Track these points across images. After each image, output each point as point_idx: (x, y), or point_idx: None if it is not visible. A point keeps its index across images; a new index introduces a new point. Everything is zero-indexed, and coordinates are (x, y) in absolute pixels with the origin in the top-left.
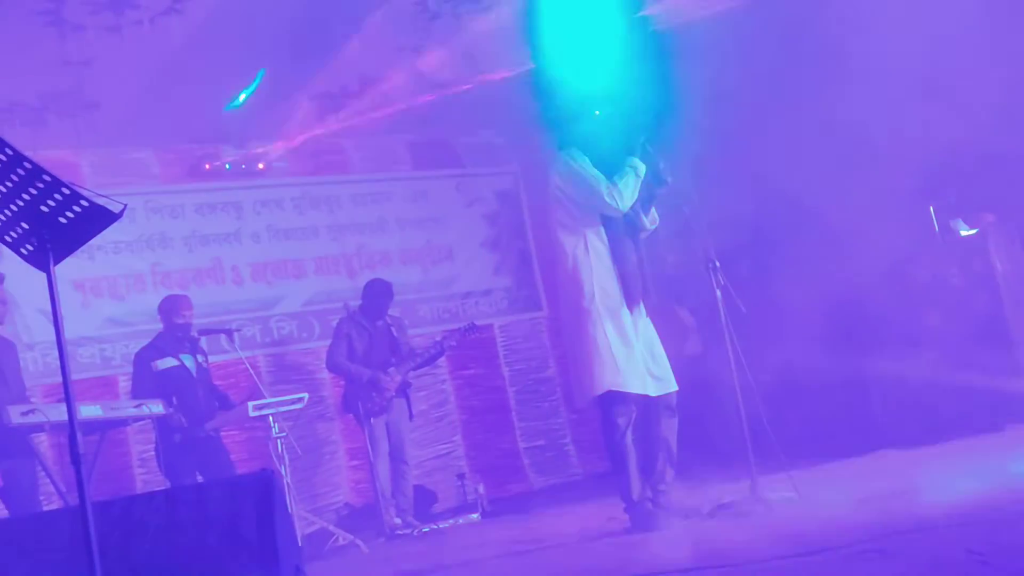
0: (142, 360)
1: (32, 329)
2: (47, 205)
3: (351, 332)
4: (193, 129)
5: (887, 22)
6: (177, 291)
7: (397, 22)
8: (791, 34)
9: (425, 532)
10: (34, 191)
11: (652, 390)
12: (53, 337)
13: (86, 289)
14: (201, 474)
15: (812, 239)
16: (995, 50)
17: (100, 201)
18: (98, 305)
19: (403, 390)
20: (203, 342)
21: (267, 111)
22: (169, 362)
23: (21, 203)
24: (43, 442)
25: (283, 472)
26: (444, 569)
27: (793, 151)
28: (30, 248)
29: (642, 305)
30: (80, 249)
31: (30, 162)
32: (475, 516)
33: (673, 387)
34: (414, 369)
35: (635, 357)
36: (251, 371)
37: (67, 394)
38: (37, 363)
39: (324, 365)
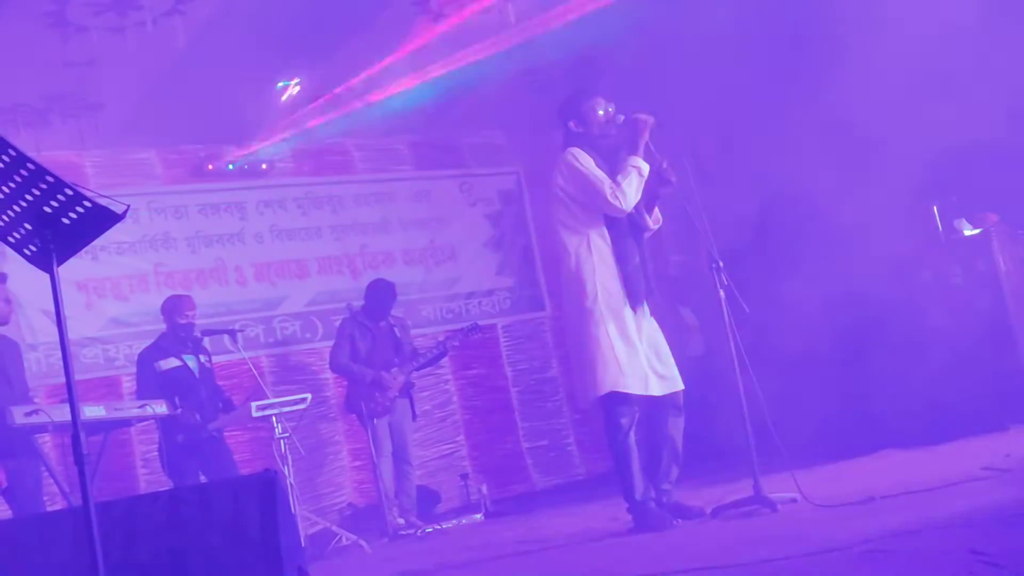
0: (145, 360)
1: (35, 329)
2: (50, 206)
3: (354, 332)
4: (196, 130)
5: (891, 20)
6: (180, 291)
7: (399, 22)
8: (794, 32)
9: (428, 532)
10: (37, 192)
11: (656, 390)
12: (56, 337)
13: (89, 290)
14: (204, 474)
15: (815, 239)
16: (1000, 49)
17: (103, 202)
18: (101, 306)
19: (406, 390)
20: (206, 342)
21: (269, 111)
22: (172, 362)
23: (24, 204)
24: (47, 442)
25: (286, 472)
26: (447, 569)
27: (797, 151)
28: (33, 249)
29: (646, 305)
30: (83, 250)
31: (33, 163)
32: (478, 516)
33: (680, 386)
34: (417, 369)
35: (638, 357)
36: (254, 371)
37: (70, 394)
38: (41, 363)
39: (327, 365)
